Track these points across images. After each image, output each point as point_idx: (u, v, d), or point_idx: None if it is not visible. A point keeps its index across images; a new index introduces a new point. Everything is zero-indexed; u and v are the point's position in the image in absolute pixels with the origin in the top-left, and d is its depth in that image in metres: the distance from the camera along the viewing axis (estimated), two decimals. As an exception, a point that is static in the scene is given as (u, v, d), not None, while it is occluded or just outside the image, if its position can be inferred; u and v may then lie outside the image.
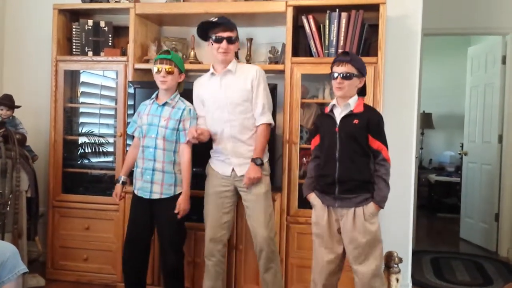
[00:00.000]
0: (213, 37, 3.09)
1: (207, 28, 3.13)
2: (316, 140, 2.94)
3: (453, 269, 4.76)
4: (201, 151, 3.29)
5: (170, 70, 3.19)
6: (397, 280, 3.30)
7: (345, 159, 2.75)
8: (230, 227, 3.28)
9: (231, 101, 3.11)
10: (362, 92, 2.91)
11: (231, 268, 3.58)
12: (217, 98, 3.14)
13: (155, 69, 3.20)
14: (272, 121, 3.19)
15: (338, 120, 2.80)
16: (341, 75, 2.75)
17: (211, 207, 3.20)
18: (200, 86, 3.25)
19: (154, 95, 3.30)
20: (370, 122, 2.74)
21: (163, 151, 3.20)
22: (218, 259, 3.20)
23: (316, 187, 2.90)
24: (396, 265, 3.27)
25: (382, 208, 2.74)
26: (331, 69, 2.84)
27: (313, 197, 2.91)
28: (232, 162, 3.15)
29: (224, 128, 3.13)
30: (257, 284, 3.58)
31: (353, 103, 2.79)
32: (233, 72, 3.14)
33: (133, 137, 3.43)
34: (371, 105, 3.21)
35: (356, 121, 2.75)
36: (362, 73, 2.81)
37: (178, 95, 3.29)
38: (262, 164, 3.10)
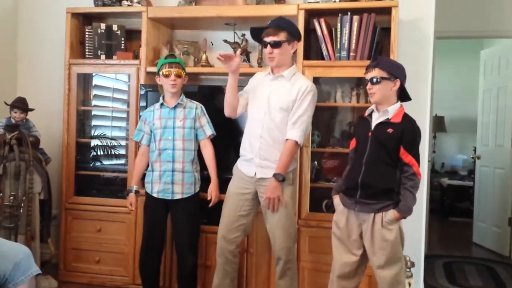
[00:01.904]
0: (262, 41, 3.07)
1: (260, 32, 3.08)
2: (353, 143, 2.92)
3: (466, 273, 4.73)
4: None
5: (179, 73, 3.26)
6: (410, 284, 3.28)
7: (371, 165, 2.71)
8: (247, 230, 3.25)
9: (270, 104, 3.06)
10: (404, 97, 2.80)
11: (242, 271, 3.58)
12: (261, 96, 3.11)
13: (163, 73, 3.25)
14: (300, 141, 3.02)
15: (373, 125, 2.76)
16: (370, 81, 2.72)
17: (229, 207, 3.17)
18: (255, 79, 3.23)
19: (160, 100, 3.34)
20: (404, 134, 2.67)
21: (183, 151, 3.26)
22: (228, 258, 3.18)
23: (342, 188, 2.89)
24: (408, 270, 3.26)
25: (404, 217, 2.68)
26: None
27: (336, 200, 2.90)
28: (256, 162, 3.09)
29: (257, 126, 3.09)
30: (268, 288, 3.58)
31: (392, 111, 2.72)
32: (287, 79, 3.08)
33: (138, 145, 3.47)
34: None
35: (390, 130, 2.68)
36: (394, 75, 2.72)
37: (184, 96, 3.36)
38: (283, 181, 3.01)
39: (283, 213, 3.06)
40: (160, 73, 3.28)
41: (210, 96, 3.73)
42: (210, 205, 3.26)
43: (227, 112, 3.20)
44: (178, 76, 3.26)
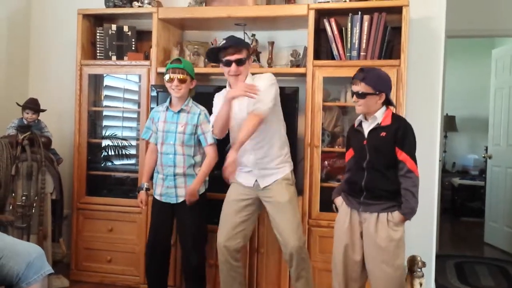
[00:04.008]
0: (223, 61, 3.03)
1: (217, 52, 3.07)
2: (350, 153, 2.90)
3: (477, 273, 4.70)
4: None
5: (183, 78, 3.25)
6: (421, 284, 3.26)
7: (373, 170, 2.70)
8: (247, 236, 3.25)
9: (244, 116, 3.03)
10: (389, 103, 2.79)
11: (252, 271, 3.59)
12: (235, 114, 3.09)
13: (167, 78, 3.25)
14: (263, 115, 2.94)
15: (366, 133, 2.75)
16: (356, 94, 2.72)
17: (228, 213, 3.17)
18: (220, 102, 3.15)
19: (167, 103, 3.35)
20: (396, 134, 2.66)
21: (183, 156, 3.27)
22: (232, 264, 3.17)
23: (344, 189, 2.89)
24: (419, 269, 3.23)
25: (409, 219, 2.67)
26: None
27: (339, 202, 2.89)
28: (255, 173, 3.12)
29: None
30: (278, 288, 3.58)
31: (380, 116, 2.72)
32: None
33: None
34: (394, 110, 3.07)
35: (383, 134, 2.69)
36: (379, 90, 2.69)
37: (191, 100, 3.35)
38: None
39: (288, 213, 3.08)
40: (165, 78, 3.29)
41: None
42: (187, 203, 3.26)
43: (218, 133, 3.13)
44: (182, 81, 3.24)
